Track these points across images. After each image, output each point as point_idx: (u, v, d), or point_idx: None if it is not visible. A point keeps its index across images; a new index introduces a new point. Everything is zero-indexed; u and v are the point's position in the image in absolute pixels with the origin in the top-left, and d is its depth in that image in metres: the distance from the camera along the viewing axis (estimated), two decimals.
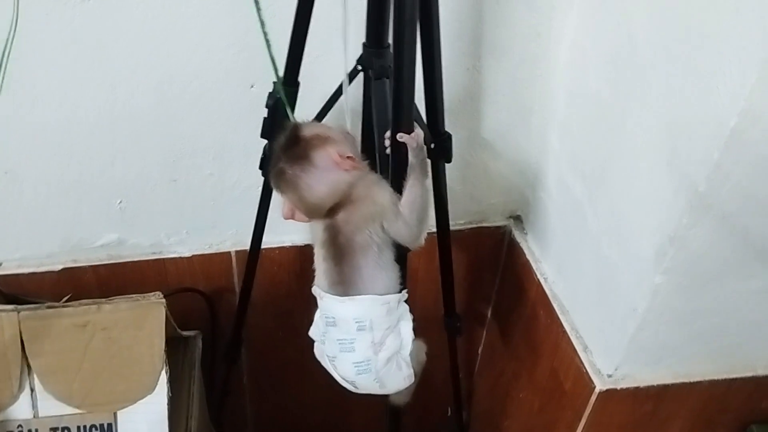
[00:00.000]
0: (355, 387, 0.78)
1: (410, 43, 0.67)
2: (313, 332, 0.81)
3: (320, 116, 0.83)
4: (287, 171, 0.70)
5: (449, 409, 1.45)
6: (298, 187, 0.70)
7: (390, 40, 0.72)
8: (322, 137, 0.72)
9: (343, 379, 0.77)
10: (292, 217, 0.74)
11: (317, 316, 0.79)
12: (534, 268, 1.09)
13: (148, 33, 0.85)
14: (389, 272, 0.75)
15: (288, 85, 0.79)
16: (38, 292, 0.99)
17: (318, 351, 0.81)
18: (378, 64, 0.74)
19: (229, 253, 1.09)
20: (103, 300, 0.66)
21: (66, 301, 0.66)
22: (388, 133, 0.72)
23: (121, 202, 0.99)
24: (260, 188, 0.94)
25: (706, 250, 0.75)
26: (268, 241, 1.06)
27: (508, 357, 1.24)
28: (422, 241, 0.76)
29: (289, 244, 1.11)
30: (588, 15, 0.89)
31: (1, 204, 0.95)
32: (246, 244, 1.08)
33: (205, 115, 0.93)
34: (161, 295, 0.68)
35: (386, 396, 0.87)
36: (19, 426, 0.68)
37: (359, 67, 0.77)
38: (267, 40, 0.72)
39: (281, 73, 0.78)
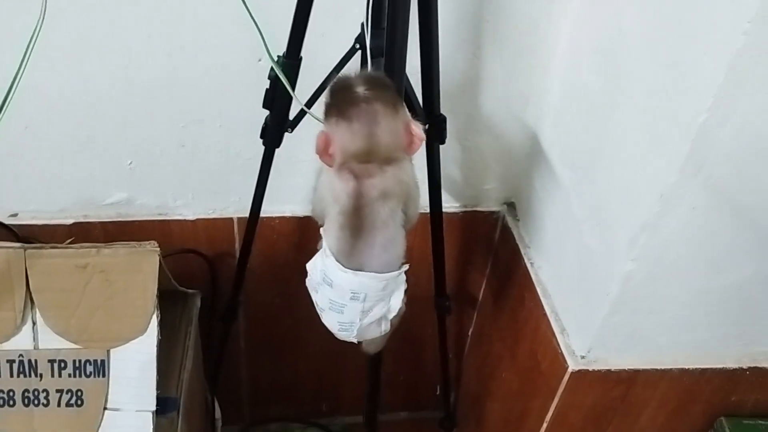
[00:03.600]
0: (335, 334, 0.81)
1: (402, 24, 0.71)
2: (309, 266, 0.80)
3: (320, 91, 0.87)
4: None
5: (438, 388, 1.50)
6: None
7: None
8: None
9: (327, 326, 0.80)
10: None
11: (318, 260, 0.78)
12: (523, 253, 1.13)
13: (162, 3, 0.90)
14: (398, 252, 0.77)
15: (290, 58, 0.84)
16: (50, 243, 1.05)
17: (309, 283, 0.81)
18: (374, 43, 0.78)
19: (231, 219, 1.14)
20: (103, 245, 0.71)
21: (69, 244, 0.72)
22: None
23: (131, 162, 1.04)
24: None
25: (676, 240, 0.78)
26: (269, 210, 1.11)
27: (494, 339, 1.29)
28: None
29: (290, 214, 1.16)
30: (584, 8, 0.92)
31: (20, 157, 1.01)
32: (248, 212, 1.14)
33: (213, 86, 0.98)
34: (156, 244, 0.73)
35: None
36: (20, 355, 0.73)
37: (357, 46, 0.81)
38: (251, 15, 0.75)
39: (284, 47, 0.83)
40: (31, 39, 0.68)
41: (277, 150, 0.95)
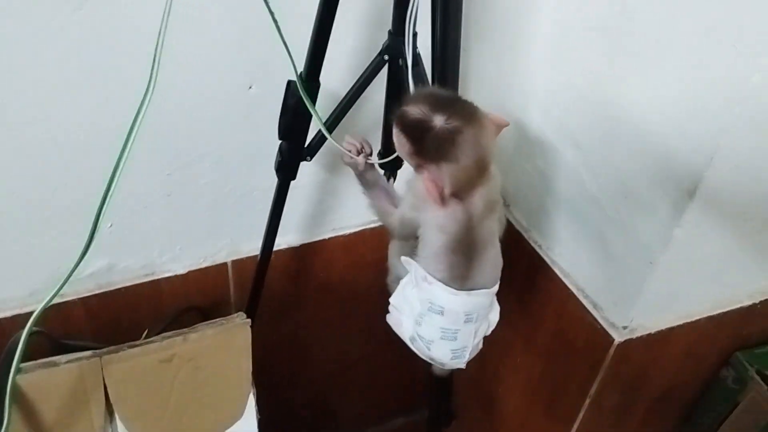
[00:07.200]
0: (441, 365, 0.76)
1: (455, 26, 0.67)
2: (397, 302, 0.76)
3: (341, 113, 0.81)
4: (465, 131, 0.61)
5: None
6: (475, 148, 0.62)
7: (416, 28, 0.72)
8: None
9: (432, 359, 0.75)
10: (439, 196, 0.64)
11: (410, 290, 0.73)
12: (525, 237, 1.13)
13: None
14: (500, 263, 0.75)
15: (309, 81, 0.76)
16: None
17: (394, 319, 0.77)
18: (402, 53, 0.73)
19: (225, 264, 1.04)
20: (187, 329, 0.61)
21: (146, 337, 0.61)
22: None
23: (111, 225, 0.91)
24: (257, 191, 0.92)
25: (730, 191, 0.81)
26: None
27: (498, 327, 1.28)
28: None
29: (285, 246, 1.07)
30: None
31: None
32: (242, 253, 1.04)
33: (202, 123, 0.88)
34: (245, 316, 0.64)
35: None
36: None
37: (386, 57, 0.75)
38: (281, 34, 0.68)
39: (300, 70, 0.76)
40: None
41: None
